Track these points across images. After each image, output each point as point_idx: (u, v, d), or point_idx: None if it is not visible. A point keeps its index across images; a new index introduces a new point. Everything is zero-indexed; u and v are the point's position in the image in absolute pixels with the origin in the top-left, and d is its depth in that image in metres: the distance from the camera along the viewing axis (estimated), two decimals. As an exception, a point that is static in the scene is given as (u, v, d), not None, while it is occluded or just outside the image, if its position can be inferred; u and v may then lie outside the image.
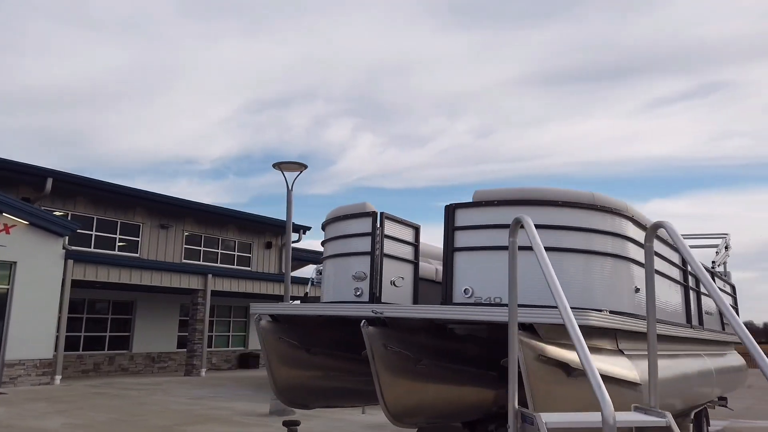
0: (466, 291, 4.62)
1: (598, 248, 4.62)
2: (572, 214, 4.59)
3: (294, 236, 25.44)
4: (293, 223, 25.09)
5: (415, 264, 5.71)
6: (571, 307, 3.09)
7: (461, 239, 4.76)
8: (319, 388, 5.79)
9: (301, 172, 11.76)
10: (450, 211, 4.85)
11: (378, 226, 5.34)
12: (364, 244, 5.40)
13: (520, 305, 4.46)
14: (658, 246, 5.33)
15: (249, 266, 23.95)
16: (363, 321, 4.47)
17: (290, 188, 11.80)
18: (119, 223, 20.16)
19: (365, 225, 5.43)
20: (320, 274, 18.84)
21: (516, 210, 4.61)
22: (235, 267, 23.20)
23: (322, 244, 6.35)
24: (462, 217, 4.80)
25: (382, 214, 5.38)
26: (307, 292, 16.36)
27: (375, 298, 5.18)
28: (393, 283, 5.46)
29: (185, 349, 20.60)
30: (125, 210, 20.20)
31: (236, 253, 23.71)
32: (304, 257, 26.41)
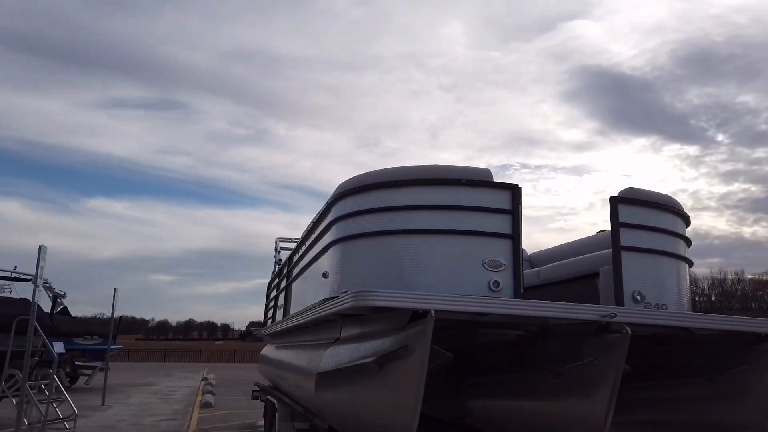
0: (637, 295, 4.43)
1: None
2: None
3: None
4: None
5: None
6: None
7: (624, 238, 4.50)
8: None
9: None
10: (614, 204, 4.54)
11: (518, 203, 4.35)
12: (488, 223, 4.23)
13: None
14: None
15: None
16: (624, 328, 3.59)
17: None
18: None
19: (500, 199, 4.32)
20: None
21: (671, 217, 4.82)
22: None
23: (348, 216, 4.59)
24: (624, 214, 4.54)
25: (520, 188, 4.37)
26: None
27: (519, 293, 4.20)
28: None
29: None
30: None
31: None
32: None
